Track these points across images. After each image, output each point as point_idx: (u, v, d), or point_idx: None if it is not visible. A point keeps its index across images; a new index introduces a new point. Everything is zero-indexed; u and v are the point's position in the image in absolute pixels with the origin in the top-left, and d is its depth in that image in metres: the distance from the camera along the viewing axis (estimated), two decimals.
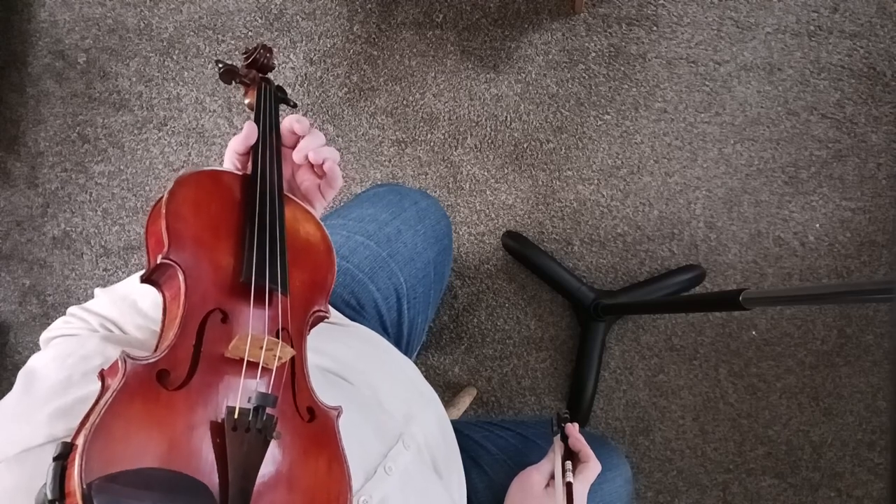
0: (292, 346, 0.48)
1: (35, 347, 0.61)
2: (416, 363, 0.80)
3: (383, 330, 0.87)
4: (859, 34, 1.32)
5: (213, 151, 1.48)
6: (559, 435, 0.78)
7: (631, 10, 1.37)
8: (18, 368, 0.52)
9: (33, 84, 1.54)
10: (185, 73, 1.49)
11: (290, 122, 0.63)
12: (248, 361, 0.44)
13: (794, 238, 1.33)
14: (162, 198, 0.50)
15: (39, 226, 1.54)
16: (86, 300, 0.63)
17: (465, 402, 1.34)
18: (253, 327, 0.47)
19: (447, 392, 1.39)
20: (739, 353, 1.33)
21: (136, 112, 1.50)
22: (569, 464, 0.74)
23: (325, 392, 0.50)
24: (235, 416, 0.40)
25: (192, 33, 1.49)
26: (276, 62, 0.77)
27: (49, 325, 0.63)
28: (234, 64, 0.72)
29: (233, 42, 1.48)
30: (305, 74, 1.45)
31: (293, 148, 0.65)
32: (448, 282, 1.23)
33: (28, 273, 1.54)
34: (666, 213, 1.35)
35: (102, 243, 1.52)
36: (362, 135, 1.43)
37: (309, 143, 0.62)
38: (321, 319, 0.56)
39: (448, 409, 1.29)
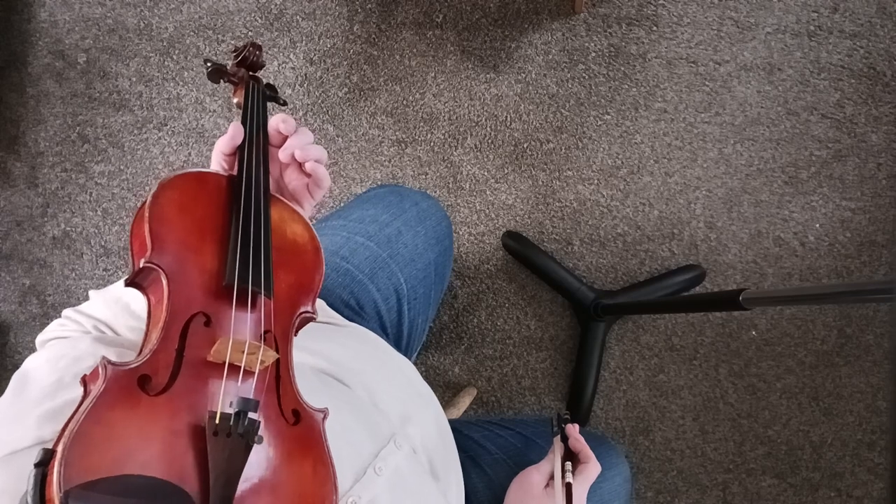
0: (276, 349, 0.48)
1: (34, 347, 0.61)
2: (416, 363, 0.80)
3: (383, 331, 0.87)
4: (859, 34, 1.32)
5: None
6: (559, 435, 0.78)
7: (631, 10, 1.36)
8: (18, 368, 0.52)
9: (33, 84, 1.54)
10: (185, 73, 1.49)
11: (276, 121, 0.63)
12: (230, 365, 0.44)
13: (794, 238, 1.32)
14: (146, 201, 0.50)
15: (39, 226, 1.54)
16: (86, 300, 0.63)
17: (465, 402, 1.33)
18: (236, 331, 0.47)
19: (447, 392, 1.39)
20: (739, 353, 1.33)
21: (136, 112, 1.50)
22: (569, 464, 0.74)
23: (317, 393, 0.50)
24: (217, 421, 0.40)
25: (192, 33, 1.49)
26: (266, 60, 0.76)
27: (48, 325, 0.63)
28: (223, 62, 0.71)
29: (233, 42, 1.48)
30: (305, 74, 1.45)
31: (280, 147, 0.65)
32: (448, 282, 1.23)
33: (28, 273, 1.54)
34: (666, 213, 1.35)
35: (102, 243, 1.52)
36: (362, 135, 1.43)
37: (295, 142, 0.62)
38: (308, 321, 0.55)
39: (448, 409, 1.29)
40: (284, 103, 0.76)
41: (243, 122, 0.62)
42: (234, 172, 0.59)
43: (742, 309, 0.83)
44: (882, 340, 1.30)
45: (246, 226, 0.52)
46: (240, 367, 0.44)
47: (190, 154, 1.49)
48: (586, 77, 1.38)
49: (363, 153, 1.43)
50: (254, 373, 0.45)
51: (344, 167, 1.43)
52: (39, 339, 0.62)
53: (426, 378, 0.77)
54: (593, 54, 1.38)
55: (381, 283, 0.86)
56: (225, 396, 0.43)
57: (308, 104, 1.45)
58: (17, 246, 1.54)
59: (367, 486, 0.55)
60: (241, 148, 0.60)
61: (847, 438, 1.31)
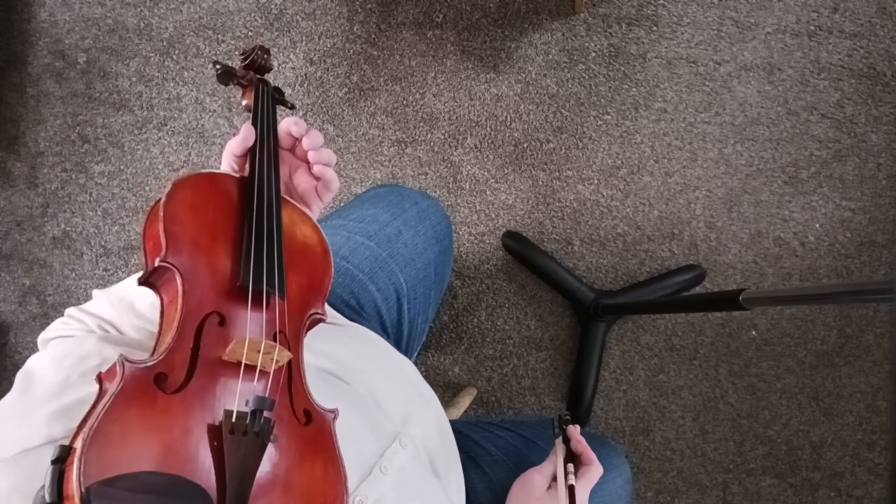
0: (289, 349, 0.48)
1: (35, 348, 0.61)
2: (416, 363, 0.80)
3: (383, 330, 0.87)
4: (859, 34, 1.32)
5: (213, 151, 1.48)
6: (561, 437, 0.78)
7: (631, 10, 1.36)
8: (18, 368, 0.52)
9: (33, 84, 1.54)
10: (185, 73, 1.49)
11: (287, 124, 0.63)
12: (245, 365, 0.44)
13: (794, 238, 1.33)
14: (159, 200, 0.50)
15: (39, 226, 1.54)
16: (86, 300, 0.63)
17: (465, 402, 1.33)
18: (250, 331, 0.47)
19: (447, 392, 1.39)
20: (739, 353, 1.33)
21: (136, 112, 1.50)
22: (571, 466, 0.74)
23: (322, 393, 0.50)
24: (233, 419, 0.40)
25: (192, 33, 1.49)
26: (273, 63, 0.76)
27: (48, 325, 0.63)
28: (232, 65, 0.71)
29: (233, 42, 1.48)
30: (305, 74, 1.45)
31: (291, 150, 0.65)
32: (448, 282, 1.23)
33: (28, 273, 1.54)
34: (666, 213, 1.35)
35: (102, 243, 1.52)
36: (362, 135, 1.43)
37: (309, 143, 0.63)
38: (318, 322, 0.56)
39: (448, 409, 1.29)
40: (293, 107, 0.76)
41: (254, 125, 0.63)
42: (246, 174, 0.59)
43: (742, 309, 0.83)
44: (882, 340, 1.30)
45: (259, 227, 0.53)
46: (254, 366, 0.44)
47: (190, 154, 1.49)
48: (586, 77, 1.38)
49: (363, 153, 1.43)
50: (268, 373, 0.45)
51: (344, 167, 1.43)
52: (42, 337, 0.62)
53: (426, 378, 0.77)
54: (593, 54, 1.38)
55: (381, 282, 0.86)
56: (240, 396, 0.43)
57: (308, 104, 1.45)
58: (17, 246, 1.54)
59: (374, 485, 0.55)
60: (252, 150, 0.61)
61: (847, 438, 1.31)
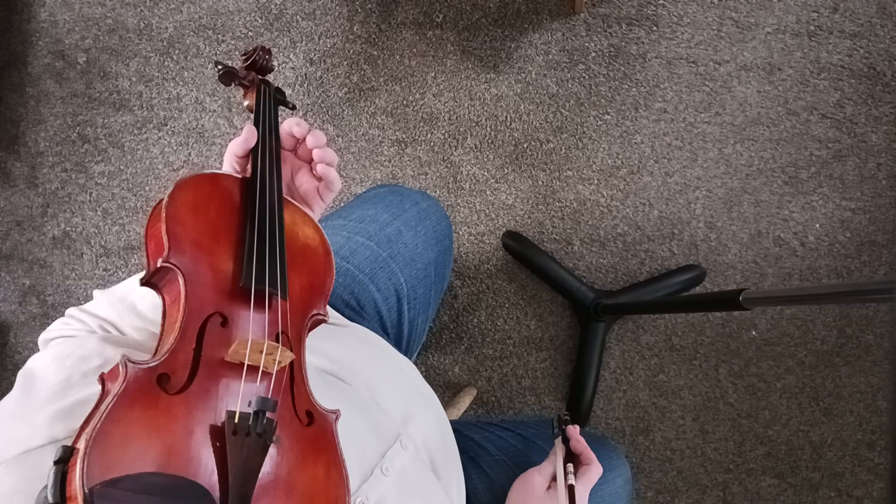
0: (291, 350, 0.48)
1: (35, 348, 0.61)
2: (416, 363, 0.80)
3: (383, 330, 0.87)
4: (859, 34, 1.32)
5: (213, 151, 1.48)
6: (560, 437, 0.78)
7: (631, 10, 1.36)
8: (18, 369, 0.52)
9: (33, 84, 1.54)
10: (185, 73, 1.49)
11: (289, 125, 0.64)
12: (248, 366, 0.44)
13: (794, 238, 1.33)
14: (162, 201, 0.50)
15: (39, 226, 1.54)
16: (86, 300, 0.63)
17: (465, 402, 1.33)
18: (252, 332, 0.47)
19: (447, 392, 1.39)
20: (739, 353, 1.33)
21: (136, 112, 1.50)
22: (570, 466, 0.74)
23: (323, 393, 0.50)
24: (235, 420, 0.40)
25: (192, 33, 1.49)
26: (275, 64, 0.76)
27: (49, 325, 0.63)
28: (234, 65, 0.71)
29: (233, 42, 1.48)
30: (305, 74, 1.45)
31: (292, 150, 0.65)
32: (448, 282, 1.23)
33: (28, 273, 1.54)
34: (666, 213, 1.35)
35: (102, 243, 1.52)
36: (362, 135, 1.43)
37: (313, 142, 0.63)
38: (320, 322, 0.56)
39: (448, 409, 1.29)
40: (294, 107, 0.77)
41: (256, 125, 0.63)
42: (247, 175, 0.59)
43: (742, 309, 0.83)
44: (882, 340, 1.30)
45: (261, 228, 0.53)
46: (257, 367, 0.45)
47: (190, 154, 1.49)
48: (586, 77, 1.38)
49: (363, 153, 1.43)
50: (270, 374, 0.45)
51: (344, 167, 1.43)
52: (42, 337, 0.62)
53: (426, 378, 0.77)
54: (593, 54, 1.38)
55: (382, 282, 0.86)
56: (243, 396, 0.43)
57: (308, 104, 1.45)
58: (17, 246, 1.54)
59: (375, 486, 0.56)
60: (254, 150, 0.61)
61: (847, 438, 1.31)
